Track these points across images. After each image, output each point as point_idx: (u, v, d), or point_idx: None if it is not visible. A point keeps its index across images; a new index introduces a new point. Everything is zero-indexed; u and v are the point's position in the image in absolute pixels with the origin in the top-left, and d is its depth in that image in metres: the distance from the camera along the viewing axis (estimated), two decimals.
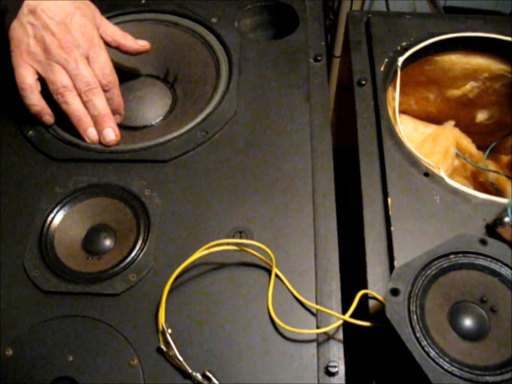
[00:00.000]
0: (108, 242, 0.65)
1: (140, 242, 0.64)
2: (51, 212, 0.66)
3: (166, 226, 0.66)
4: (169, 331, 0.57)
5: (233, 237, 0.64)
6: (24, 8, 0.71)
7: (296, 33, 0.85)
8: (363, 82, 0.78)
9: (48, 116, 0.74)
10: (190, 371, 0.55)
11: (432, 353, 0.50)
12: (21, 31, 0.71)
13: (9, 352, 0.58)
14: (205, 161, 0.71)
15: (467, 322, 0.53)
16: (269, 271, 0.61)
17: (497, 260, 0.55)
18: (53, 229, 0.66)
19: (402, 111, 0.98)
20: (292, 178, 0.69)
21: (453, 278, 0.54)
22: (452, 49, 0.85)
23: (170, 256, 0.63)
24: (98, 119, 0.73)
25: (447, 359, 0.49)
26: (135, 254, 0.63)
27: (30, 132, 0.74)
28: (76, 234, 0.66)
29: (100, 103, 0.73)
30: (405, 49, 0.81)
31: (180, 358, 0.55)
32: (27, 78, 0.71)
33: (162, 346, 0.56)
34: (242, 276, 0.62)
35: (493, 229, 0.62)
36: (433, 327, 0.52)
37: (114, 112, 0.76)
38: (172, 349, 0.56)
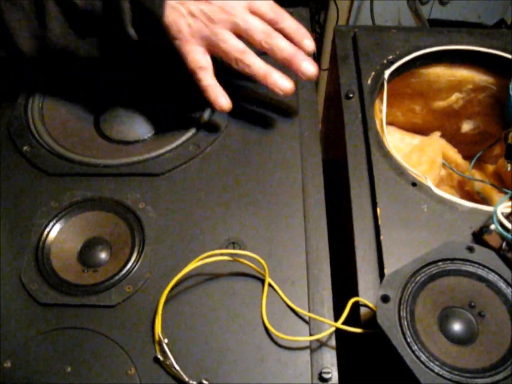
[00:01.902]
0: (103, 255, 0.66)
1: (135, 254, 0.65)
2: (46, 226, 0.67)
3: (161, 238, 0.67)
4: (166, 340, 0.57)
5: (226, 248, 0.65)
6: None
7: None
8: (351, 95, 0.80)
9: (224, 99, 0.71)
10: (186, 379, 0.56)
11: (423, 357, 0.50)
12: (175, 14, 0.67)
13: (8, 364, 0.58)
14: (198, 174, 0.72)
15: (456, 327, 0.54)
16: (262, 281, 0.63)
17: (484, 266, 0.56)
18: (49, 243, 0.66)
19: (389, 123, 0.99)
20: (283, 189, 0.70)
21: (442, 284, 0.56)
22: (437, 61, 0.87)
23: (165, 268, 0.64)
24: (289, 59, 0.69)
25: (437, 363, 0.50)
26: (131, 266, 0.64)
27: (25, 148, 0.75)
28: (72, 248, 0.67)
29: (283, 43, 0.69)
30: (391, 63, 0.83)
31: (177, 367, 0.56)
32: (200, 60, 0.69)
33: (159, 356, 0.57)
34: (236, 286, 0.63)
35: (479, 236, 0.64)
36: (423, 332, 0.53)
37: (299, 42, 0.71)
38: (169, 358, 0.56)
